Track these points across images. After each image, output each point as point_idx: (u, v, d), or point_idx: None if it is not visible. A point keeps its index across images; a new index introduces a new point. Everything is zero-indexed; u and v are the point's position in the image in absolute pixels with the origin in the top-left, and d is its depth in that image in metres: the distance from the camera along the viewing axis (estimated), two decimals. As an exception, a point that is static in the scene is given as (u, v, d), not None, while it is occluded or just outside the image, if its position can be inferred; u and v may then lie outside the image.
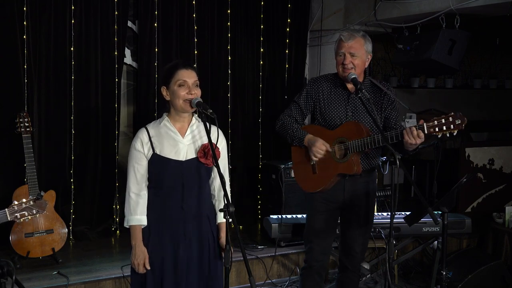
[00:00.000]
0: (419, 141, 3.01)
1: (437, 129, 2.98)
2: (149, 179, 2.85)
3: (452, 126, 2.96)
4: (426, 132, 2.99)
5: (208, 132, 2.72)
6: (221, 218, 2.92)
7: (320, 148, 3.21)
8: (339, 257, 3.51)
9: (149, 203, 2.85)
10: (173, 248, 2.83)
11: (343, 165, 3.27)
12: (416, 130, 2.99)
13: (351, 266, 3.46)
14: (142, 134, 2.84)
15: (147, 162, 2.83)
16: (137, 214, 2.82)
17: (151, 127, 2.87)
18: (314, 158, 3.26)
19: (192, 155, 2.85)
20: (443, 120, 2.97)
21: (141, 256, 2.80)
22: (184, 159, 2.83)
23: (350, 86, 3.33)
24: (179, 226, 2.84)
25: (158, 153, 2.81)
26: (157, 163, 2.81)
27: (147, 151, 2.82)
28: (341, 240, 3.47)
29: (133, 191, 2.83)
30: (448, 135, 2.99)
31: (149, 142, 2.82)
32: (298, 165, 3.45)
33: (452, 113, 2.97)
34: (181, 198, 2.83)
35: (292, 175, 4.58)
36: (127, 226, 2.86)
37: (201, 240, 2.88)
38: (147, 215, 2.84)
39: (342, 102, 3.33)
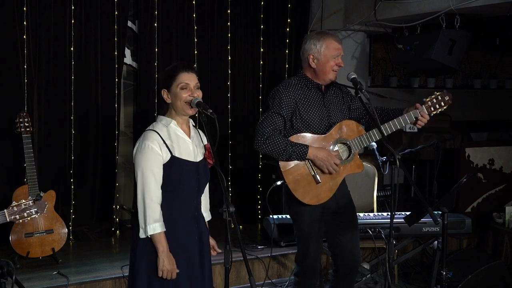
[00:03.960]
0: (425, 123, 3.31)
1: (432, 109, 3.29)
2: (163, 182, 2.75)
3: (442, 103, 3.30)
4: (427, 112, 3.28)
5: (207, 134, 2.73)
6: (208, 217, 3.01)
7: (336, 162, 3.18)
8: (340, 264, 3.43)
9: (162, 207, 2.75)
10: (187, 250, 2.82)
11: (351, 166, 3.27)
12: (422, 115, 3.27)
13: (356, 268, 3.45)
14: (156, 137, 2.75)
15: (162, 165, 2.75)
16: (161, 220, 2.72)
17: (158, 129, 2.79)
18: (326, 172, 3.19)
19: (200, 156, 2.86)
20: (434, 99, 3.29)
21: (171, 261, 2.72)
22: (198, 160, 2.84)
23: (323, 87, 3.32)
24: (191, 228, 2.83)
25: (177, 155, 2.76)
26: (177, 166, 2.75)
27: (165, 154, 2.74)
28: (341, 246, 3.38)
29: (156, 196, 2.72)
30: (438, 112, 3.33)
31: (165, 145, 2.75)
32: (295, 180, 3.21)
33: (438, 92, 3.32)
34: (193, 200, 2.84)
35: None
36: (145, 235, 2.72)
37: (203, 240, 2.90)
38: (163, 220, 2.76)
39: (319, 104, 3.28)
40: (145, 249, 2.76)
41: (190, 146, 2.83)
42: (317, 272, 3.44)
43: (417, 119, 3.27)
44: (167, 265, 2.71)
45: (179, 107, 2.79)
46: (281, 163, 3.22)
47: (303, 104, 3.25)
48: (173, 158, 2.75)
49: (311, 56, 3.25)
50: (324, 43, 3.22)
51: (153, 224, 2.70)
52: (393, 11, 5.30)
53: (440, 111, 3.32)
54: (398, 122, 3.24)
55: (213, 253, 3.01)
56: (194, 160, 2.82)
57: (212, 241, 3.01)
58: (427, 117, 3.26)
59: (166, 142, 2.76)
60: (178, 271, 2.75)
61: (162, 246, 2.71)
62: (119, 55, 5.16)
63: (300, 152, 3.16)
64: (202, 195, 2.95)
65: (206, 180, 2.91)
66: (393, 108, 3.43)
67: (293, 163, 3.21)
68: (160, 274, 2.72)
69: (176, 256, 2.77)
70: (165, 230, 2.73)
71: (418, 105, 3.27)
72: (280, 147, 3.15)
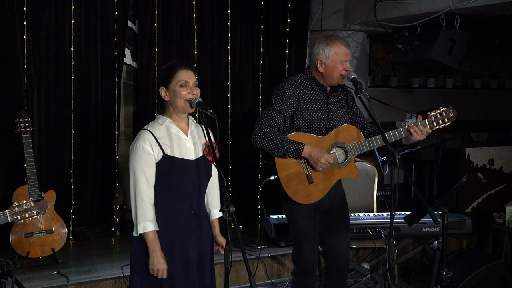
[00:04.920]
0: (424, 137, 3.24)
1: (434, 124, 3.25)
2: (158, 181, 2.77)
3: (446, 119, 3.26)
4: (429, 127, 3.23)
5: (207, 133, 2.72)
6: (214, 215, 2.97)
7: (328, 160, 3.17)
8: (329, 263, 3.45)
9: (158, 206, 2.78)
10: (184, 249, 2.82)
11: (346, 170, 3.26)
12: (424, 127, 3.22)
13: (346, 269, 3.47)
14: (149, 136, 2.76)
15: (155, 164, 2.76)
16: (152, 219, 2.75)
17: (153, 129, 2.80)
18: (318, 169, 3.19)
19: (198, 153, 2.86)
20: (438, 115, 3.25)
21: (162, 261, 2.74)
22: (194, 158, 2.83)
23: (328, 88, 3.32)
24: (189, 226, 2.83)
25: (169, 154, 2.77)
26: (169, 164, 2.76)
27: (157, 153, 2.75)
28: (332, 245, 3.41)
29: (147, 196, 2.74)
30: (441, 128, 3.29)
31: (157, 144, 2.75)
32: (288, 177, 3.25)
33: (443, 107, 3.27)
34: (191, 198, 2.83)
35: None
36: (136, 234, 2.75)
37: (203, 239, 2.89)
38: (156, 218, 2.77)
39: (323, 105, 3.29)
40: (140, 247, 2.78)
41: (187, 144, 2.83)
42: (314, 271, 3.44)
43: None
44: (156, 264, 2.73)
45: (178, 105, 2.78)
46: (277, 159, 3.25)
47: (306, 104, 3.25)
48: (165, 157, 2.76)
49: (319, 61, 3.25)
50: (333, 49, 3.21)
51: (143, 223, 2.73)
52: (393, 11, 5.30)
53: (442, 127, 3.29)
54: (399, 133, 3.23)
55: (221, 251, 2.97)
56: (190, 158, 2.81)
57: (220, 239, 2.98)
58: (427, 130, 3.22)
59: (159, 141, 2.76)
60: (166, 270, 2.75)
61: (152, 245, 2.73)
62: (119, 55, 5.16)
63: (296, 149, 3.17)
64: (211, 192, 2.95)
65: (206, 178, 2.89)
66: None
67: (288, 160, 3.22)
68: (151, 273, 2.75)
69: (173, 255, 2.78)
70: (157, 229, 2.75)
71: (420, 117, 3.25)
72: (276, 143, 3.17)
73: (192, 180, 2.81)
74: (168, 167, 2.77)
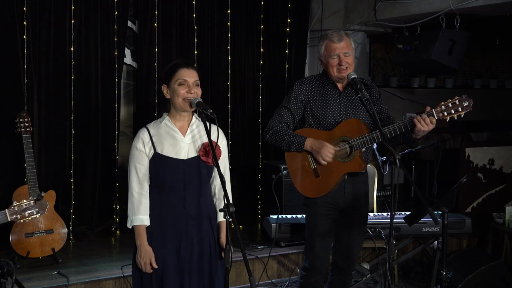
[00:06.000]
0: (431, 127, 3.06)
1: (445, 113, 3.05)
2: (150, 179, 2.85)
3: (460, 108, 3.05)
4: (436, 117, 3.06)
5: (208, 132, 2.73)
6: (221, 217, 2.94)
7: (329, 151, 3.17)
8: (335, 260, 3.46)
9: (151, 203, 2.85)
10: (175, 247, 2.84)
11: (350, 164, 3.26)
12: (428, 117, 3.04)
13: (348, 269, 3.46)
14: (143, 134, 2.85)
15: (148, 161, 2.83)
16: (141, 214, 2.82)
17: (151, 126, 2.88)
18: (323, 162, 3.19)
19: (193, 153, 2.86)
20: (450, 104, 3.06)
21: (147, 255, 2.80)
22: (185, 158, 2.84)
23: (340, 85, 3.32)
24: (181, 225, 2.84)
25: (159, 152, 2.82)
26: (159, 162, 2.82)
27: (149, 151, 2.83)
28: (339, 242, 3.42)
29: (136, 191, 2.83)
30: (456, 118, 3.06)
31: (150, 142, 2.83)
32: (296, 171, 3.33)
33: (458, 96, 3.06)
34: (183, 197, 2.84)
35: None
36: (129, 227, 2.86)
37: (202, 239, 2.88)
38: (150, 215, 2.84)
39: (334, 102, 3.30)
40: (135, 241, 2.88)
41: (181, 143, 2.85)
42: (324, 270, 3.44)
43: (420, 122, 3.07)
44: (138, 258, 2.81)
45: (177, 104, 2.82)
46: (286, 154, 3.34)
47: (314, 100, 3.30)
48: (156, 155, 2.82)
49: (319, 59, 3.36)
50: (323, 45, 3.28)
51: (130, 217, 2.84)
52: (393, 11, 5.30)
53: (455, 116, 3.06)
54: (404, 125, 3.14)
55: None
56: (182, 158, 2.83)
57: (223, 241, 2.93)
58: (432, 120, 3.03)
59: (153, 139, 2.84)
60: (155, 265, 2.80)
61: (138, 240, 2.83)
62: (119, 55, 5.17)
63: (298, 142, 3.24)
64: (218, 194, 2.95)
65: (206, 178, 2.90)
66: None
67: (296, 155, 3.29)
68: (138, 265, 2.83)
69: (164, 253, 2.82)
70: (145, 223, 2.82)
71: (428, 108, 3.11)
72: (280, 136, 3.28)
73: (185, 179, 2.83)
74: (159, 166, 2.82)
